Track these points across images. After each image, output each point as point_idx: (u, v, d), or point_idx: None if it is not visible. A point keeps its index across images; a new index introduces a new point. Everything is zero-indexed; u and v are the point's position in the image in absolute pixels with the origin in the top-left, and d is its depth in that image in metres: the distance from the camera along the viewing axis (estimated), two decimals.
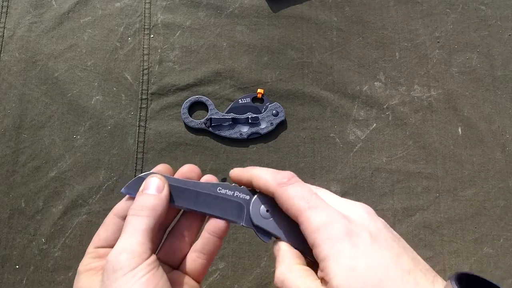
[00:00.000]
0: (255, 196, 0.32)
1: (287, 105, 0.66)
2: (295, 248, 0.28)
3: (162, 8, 0.69)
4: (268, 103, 0.65)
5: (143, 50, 0.67)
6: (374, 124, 0.66)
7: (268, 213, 0.30)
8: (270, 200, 0.31)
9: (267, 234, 0.30)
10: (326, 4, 0.70)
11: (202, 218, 0.32)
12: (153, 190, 0.29)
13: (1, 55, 0.67)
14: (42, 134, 0.64)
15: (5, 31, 0.68)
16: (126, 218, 0.28)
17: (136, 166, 0.62)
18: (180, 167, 0.33)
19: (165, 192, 0.29)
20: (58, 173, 0.62)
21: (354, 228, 0.23)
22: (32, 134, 0.64)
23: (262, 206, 0.31)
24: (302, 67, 0.67)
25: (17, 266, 0.59)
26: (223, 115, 0.64)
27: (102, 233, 0.30)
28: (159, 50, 0.67)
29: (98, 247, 0.29)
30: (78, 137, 0.64)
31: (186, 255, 0.31)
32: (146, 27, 0.68)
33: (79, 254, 0.60)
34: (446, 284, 0.21)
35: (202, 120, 0.64)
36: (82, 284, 0.27)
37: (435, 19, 0.70)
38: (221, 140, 0.64)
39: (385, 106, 0.66)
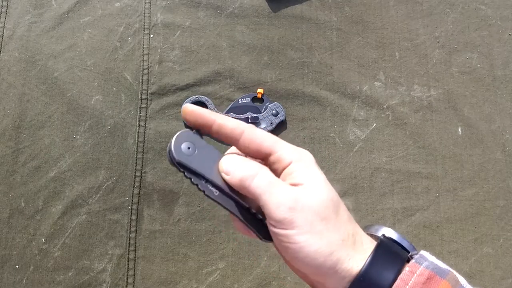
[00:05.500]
0: (179, 132, 0.30)
1: (287, 105, 0.66)
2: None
3: (162, 8, 0.69)
4: (268, 103, 0.65)
5: (143, 50, 0.67)
6: (374, 124, 0.66)
7: (190, 150, 0.30)
8: (192, 137, 0.30)
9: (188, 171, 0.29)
10: (326, 4, 0.70)
11: None
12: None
13: (1, 54, 0.67)
14: (42, 134, 0.64)
15: (4, 30, 0.67)
16: None
17: (136, 166, 0.62)
18: None
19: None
20: (58, 173, 0.62)
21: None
22: (32, 134, 0.64)
23: (185, 143, 0.30)
24: (302, 67, 0.67)
25: (17, 266, 0.59)
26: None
27: None
28: (159, 50, 0.67)
29: None
30: (78, 137, 0.64)
31: None
32: (146, 27, 0.68)
33: (79, 254, 0.60)
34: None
35: None
36: None
37: (435, 19, 0.70)
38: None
39: (385, 106, 0.66)
